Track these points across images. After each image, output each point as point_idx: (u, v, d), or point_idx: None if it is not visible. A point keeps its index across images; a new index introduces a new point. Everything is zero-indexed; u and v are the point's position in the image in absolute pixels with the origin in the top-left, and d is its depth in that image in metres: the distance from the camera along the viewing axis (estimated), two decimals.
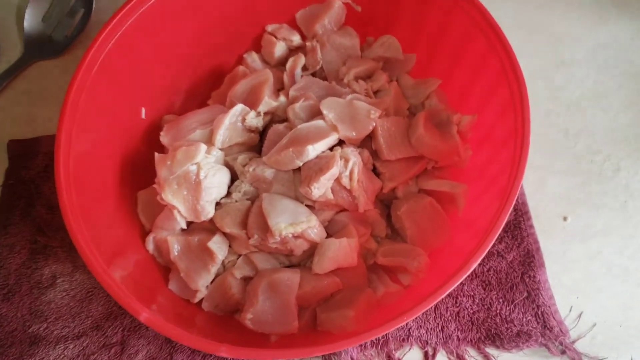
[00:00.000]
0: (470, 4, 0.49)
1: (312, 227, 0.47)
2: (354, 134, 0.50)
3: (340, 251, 0.47)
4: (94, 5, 0.64)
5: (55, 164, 0.44)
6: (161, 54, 0.53)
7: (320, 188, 0.47)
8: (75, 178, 0.44)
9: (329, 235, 0.49)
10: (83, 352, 0.50)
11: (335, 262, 0.47)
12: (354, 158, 0.49)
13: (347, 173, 0.48)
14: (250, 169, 0.50)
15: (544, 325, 0.50)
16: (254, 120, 0.52)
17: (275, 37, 0.57)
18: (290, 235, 0.46)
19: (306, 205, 0.49)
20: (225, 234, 0.49)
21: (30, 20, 0.63)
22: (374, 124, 0.50)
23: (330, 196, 0.48)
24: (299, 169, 0.49)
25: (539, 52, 0.64)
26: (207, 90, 0.58)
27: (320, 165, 0.48)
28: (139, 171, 0.52)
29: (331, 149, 0.50)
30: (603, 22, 0.65)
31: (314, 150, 0.48)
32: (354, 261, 0.48)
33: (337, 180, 0.48)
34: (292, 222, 0.46)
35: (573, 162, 0.58)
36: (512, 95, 0.46)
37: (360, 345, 0.50)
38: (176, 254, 0.48)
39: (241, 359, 0.40)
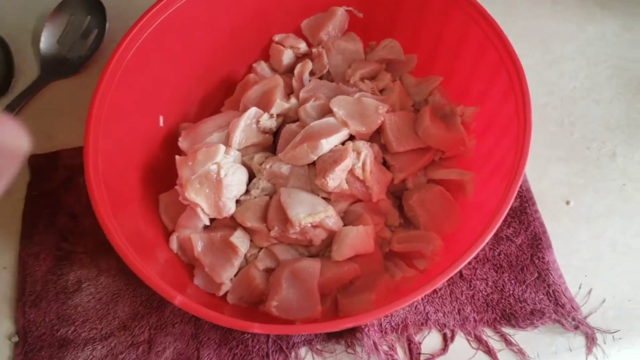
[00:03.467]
0: (465, 2, 0.52)
1: (329, 216, 0.49)
2: (363, 128, 0.52)
3: (358, 238, 0.49)
4: (107, 26, 0.67)
5: (85, 167, 0.46)
6: (175, 65, 0.56)
7: (335, 179, 0.50)
8: (103, 182, 0.46)
9: (345, 225, 0.51)
10: (111, 352, 0.51)
11: (353, 249, 0.49)
12: (366, 150, 0.51)
13: (360, 164, 0.51)
14: (267, 166, 0.52)
15: (556, 303, 0.52)
16: (268, 122, 0.54)
17: (283, 46, 0.60)
18: (309, 225, 0.48)
19: (322, 198, 0.51)
20: (246, 229, 0.51)
21: (46, 42, 0.66)
22: (382, 119, 0.53)
23: (345, 187, 0.50)
24: (314, 164, 0.52)
25: (530, 51, 0.67)
26: (220, 99, 0.61)
27: (334, 158, 0.50)
28: (158, 176, 0.55)
29: (343, 144, 0.52)
30: (589, 20, 0.69)
31: (327, 143, 0.50)
32: (371, 248, 0.50)
33: (351, 171, 0.51)
34: (310, 213, 0.49)
35: (571, 150, 0.61)
36: (510, 80, 0.49)
37: (381, 331, 0.51)
38: (200, 250, 0.50)
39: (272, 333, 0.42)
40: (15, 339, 0.52)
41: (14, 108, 0.63)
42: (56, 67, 0.66)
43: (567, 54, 0.67)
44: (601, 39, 0.68)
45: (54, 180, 0.59)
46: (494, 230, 0.43)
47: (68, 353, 0.51)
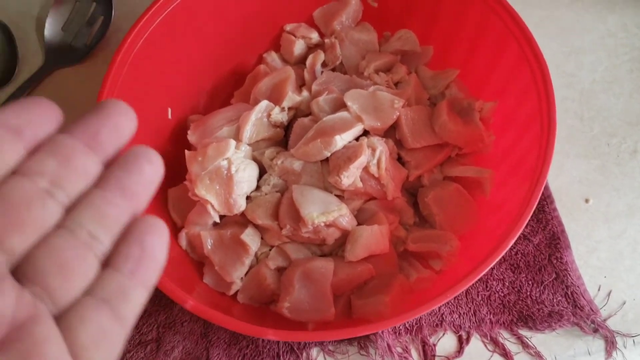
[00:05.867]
0: None
1: (343, 215, 0.48)
2: (378, 123, 0.51)
3: (372, 238, 0.48)
4: (113, 13, 0.65)
5: None
6: (184, 55, 0.54)
7: (350, 177, 0.48)
8: None
9: (359, 224, 0.50)
10: None
11: (368, 249, 0.48)
12: (381, 147, 0.50)
13: (375, 161, 0.49)
14: (279, 162, 0.50)
15: (575, 305, 0.51)
16: (279, 115, 0.52)
17: (294, 36, 0.58)
18: (322, 224, 0.47)
19: (335, 195, 0.50)
20: (257, 226, 0.49)
21: (51, 29, 0.64)
22: (398, 113, 0.51)
23: (359, 184, 0.49)
24: (326, 160, 0.50)
25: (549, 42, 0.65)
26: (230, 90, 0.59)
27: (348, 155, 0.48)
28: (167, 170, 0.53)
29: (357, 139, 0.51)
30: (610, 11, 0.67)
31: (341, 140, 0.49)
32: (386, 247, 0.49)
33: (365, 169, 0.49)
34: (323, 211, 0.47)
35: (590, 146, 0.59)
36: (533, 75, 0.47)
37: (395, 332, 0.50)
38: (210, 247, 0.49)
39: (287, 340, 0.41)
40: None
41: (18, 97, 0.62)
42: (61, 55, 0.64)
43: (586, 46, 0.65)
44: (622, 30, 0.66)
45: None
46: (518, 234, 0.42)
47: None
